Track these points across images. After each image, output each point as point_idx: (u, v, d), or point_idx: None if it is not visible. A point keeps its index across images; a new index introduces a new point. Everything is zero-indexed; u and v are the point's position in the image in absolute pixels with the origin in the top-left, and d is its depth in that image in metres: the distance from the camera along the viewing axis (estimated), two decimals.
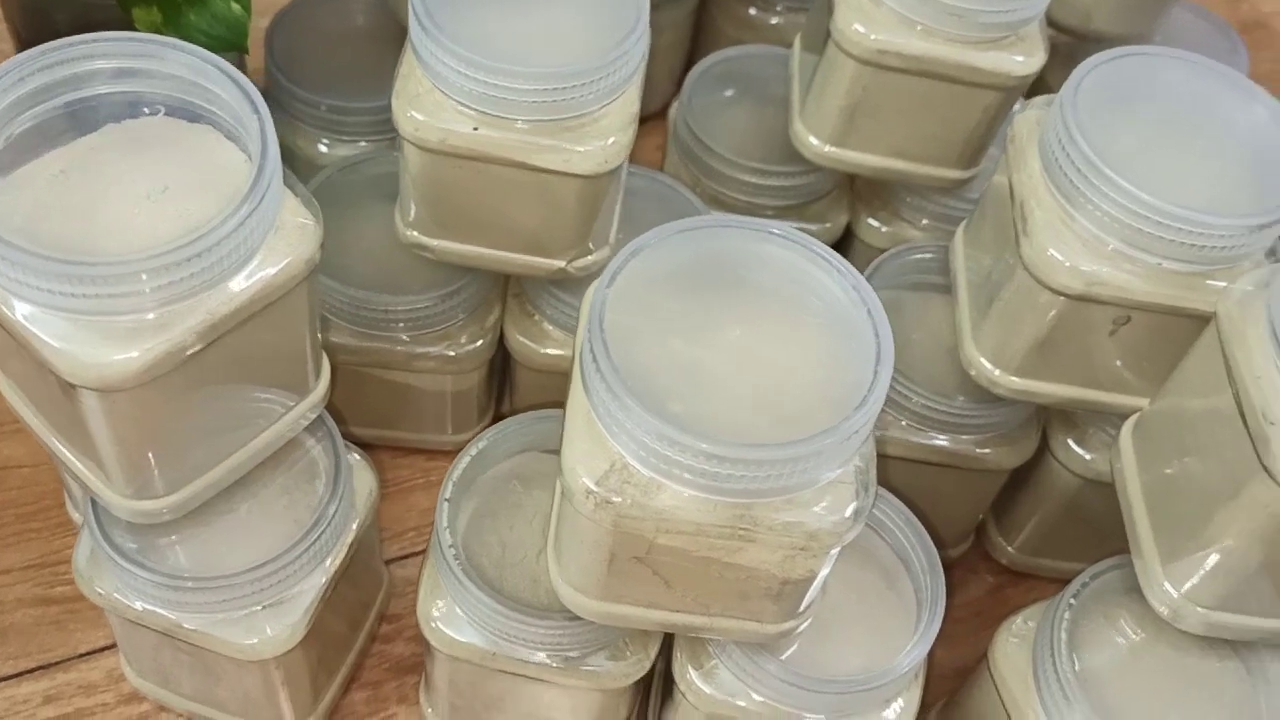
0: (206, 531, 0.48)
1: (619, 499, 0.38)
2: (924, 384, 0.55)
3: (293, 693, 0.52)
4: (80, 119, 0.41)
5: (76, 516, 0.59)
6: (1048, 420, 0.58)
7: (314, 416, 0.47)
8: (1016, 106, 0.56)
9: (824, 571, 0.43)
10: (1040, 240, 0.47)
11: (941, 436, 0.56)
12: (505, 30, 0.49)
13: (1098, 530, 0.57)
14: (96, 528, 0.46)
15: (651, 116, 0.72)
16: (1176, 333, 0.47)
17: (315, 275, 0.42)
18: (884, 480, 0.55)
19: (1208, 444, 0.44)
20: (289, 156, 0.65)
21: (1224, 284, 0.45)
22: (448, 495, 0.48)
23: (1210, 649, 0.49)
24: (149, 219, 0.39)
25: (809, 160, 0.60)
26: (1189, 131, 0.48)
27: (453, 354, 0.58)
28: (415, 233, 0.54)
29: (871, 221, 0.66)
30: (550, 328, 0.59)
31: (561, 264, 0.53)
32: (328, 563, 0.48)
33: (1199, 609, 0.45)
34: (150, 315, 0.37)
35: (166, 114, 0.42)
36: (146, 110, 0.41)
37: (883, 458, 0.57)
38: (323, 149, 0.64)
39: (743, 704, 0.47)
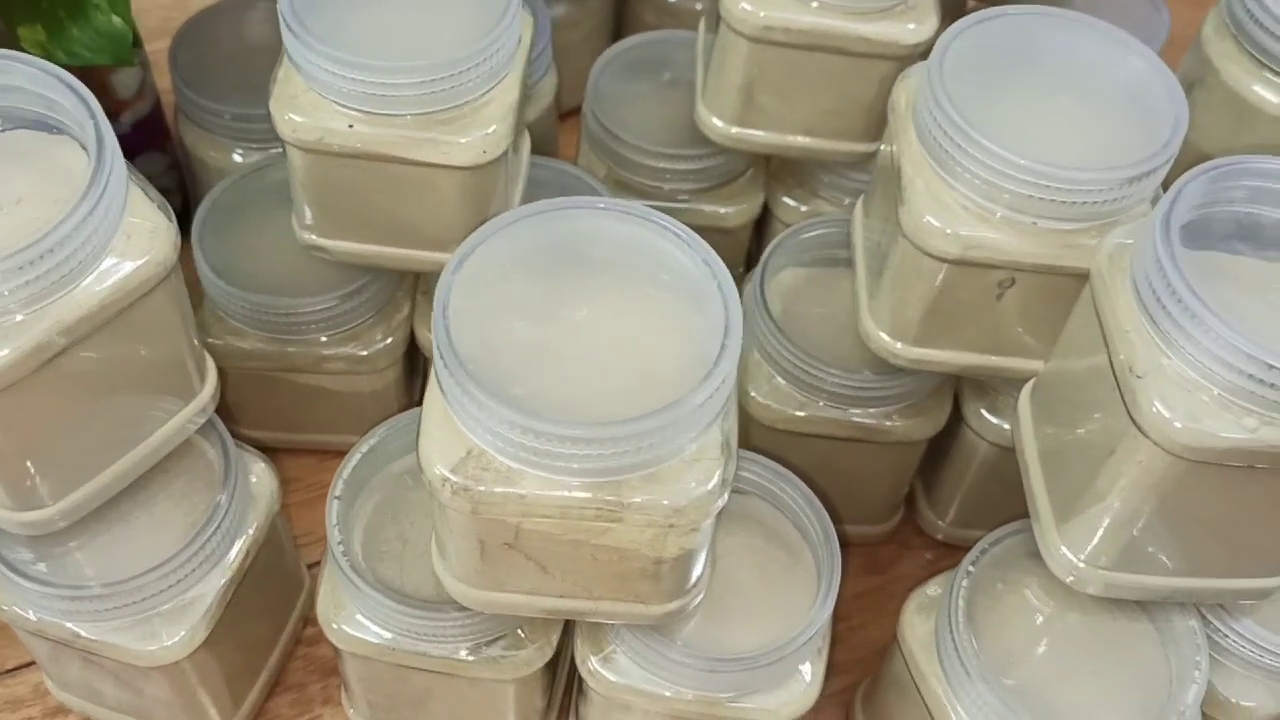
0: (106, 540, 0.48)
1: (477, 486, 0.38)
2: (832, 360, 0.54)
3: (214, 697, 0.52)
4: None
5: None
6: (960, 389, 0.57)
7: (203, 420, 0.48)
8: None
9: (702, 549, 0.43)
10: (917, 207, 0.46)
11: (852, 411, 0.55)
12: (375, 28, 0.49)
13: (1025, 498, 0.56)
14: None
15: (573, 111, 0.71)
16: (1064, 293, 0.47)
17: (176, 278, 0.42)
18: (802, 459, 0.56)
19: (1090, 403, 0.43)
20: (203, 169, 0.66)
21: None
22: (337, 493, 0.48)
23: (1120, 610, 0.49)
24: (3, 230, 0.40)
25: (715, 142, 0.60)
26: (1066, 88, 0.47)
27: (364, 353, 0.58)
28: (312, 235, 0.54)
29: (788, 200, 0.65)
30: None
31: None
32: (225, 565, 0.48)
33: (1094, 570, 0.45)
34: (19, 317, 0.38)
35: (29, 127, 0.42)
36: (3, 124, 0.42)
37: (799, 436, 0.56)
38: (237, 158, 0.64)
39: (644, 688, 0.47)
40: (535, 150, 0.65)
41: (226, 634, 0.50)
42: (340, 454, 0.64)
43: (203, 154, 0.65)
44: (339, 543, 0.47)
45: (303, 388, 0.60)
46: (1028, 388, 0.49)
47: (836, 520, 0.49)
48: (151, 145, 0.65)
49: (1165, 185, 0.43)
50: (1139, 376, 0.39)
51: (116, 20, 0.52)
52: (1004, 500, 0.60)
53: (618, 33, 0.77)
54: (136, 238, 0.40)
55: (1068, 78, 0.48)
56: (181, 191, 0.69)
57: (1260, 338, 0.36)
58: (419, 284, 0.60)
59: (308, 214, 0.53)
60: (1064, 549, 0.45)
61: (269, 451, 0.62)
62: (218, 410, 0.61)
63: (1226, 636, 0.48)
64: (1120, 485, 0.41)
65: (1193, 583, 0.45)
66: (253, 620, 0.53)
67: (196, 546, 0.47)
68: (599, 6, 0.74)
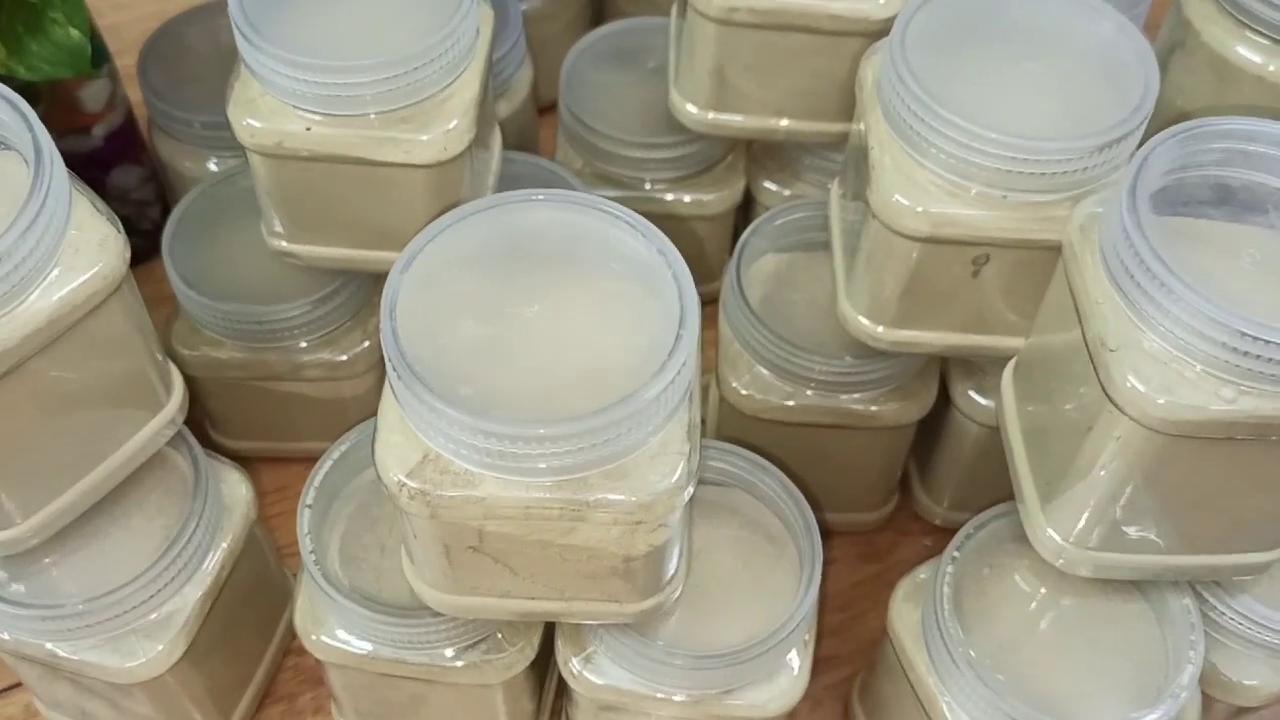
0: (81, 557, 0.48)
1: (435, 491, 0.38)
2: (815, 345, 0.53)
3: (201, 711, 0.52)
4: None
5: None
6: (947, 371, 0.56)
7: (172, 433, 0.47)
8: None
9: (675, 544, 0.42)
10: (886, 186, 0.45)
11: (836, 397, 0.54)
12: (329, 29, 0.48)
13: None
14: None
15: (553, 105, 0.71)
16: (1042, 267, 0.45)
17: (129, 290, 0.42)
18: (789, 448, 0.55)
19: (1068, 379, 0.42)
20: (179, 179, 0.65)
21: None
22: (309, 501, 0.47)
23: (1113, 591, 0.47)
24: None
25: (690, 129, 0.59)
26: (1033, 56, 0.46)
27: (342, 358, 0.58)
28: (282, 241, 0.53)
29: (770, 185, 0.64)
30: None
31: None
32: (201, 577, 0.48)
33: (1083, 551, 0.44)
34: None
35: None
36: None
37: (784, 425, 0.55)
38: (212, 167, 0.64)
39: (628, 688, 0.46)
40: (514, 145, 0.65)
41: (209, 647, 0.50)
42: None
43: (178, 164, 0.64)
44: (311, 552, 0.46)
45: (283, 396, 0.59)
46: (1010, 365, 0.48)
47: (822, 509, 0.48)
48: (126, 157, 0.65)
49: None
50: (1112, 350, 0.38)
51: (74, 33, 0.52)
52: (1000, 481, 0.58)
53: (597, 24, 0.76)
54: (84, 250, 0.39)
55: (1035, 45, 0.46)
56: (161, 203, 0.68)
57: (1234, 305, 0.35)
58: None
59: (275, 220, 0.52)
60: (1050, 531, 0.44)
61: (255, 462, 0.62)
62: (200, 421, 0.62)
63: (1224, 614, 0.47)
64: (1101, 463, 0.40)
65: (1185, 560, 0.44)
66: (237, 632, 0.52)
67: (169, 560, 0.46)
68: None
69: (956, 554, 0.46)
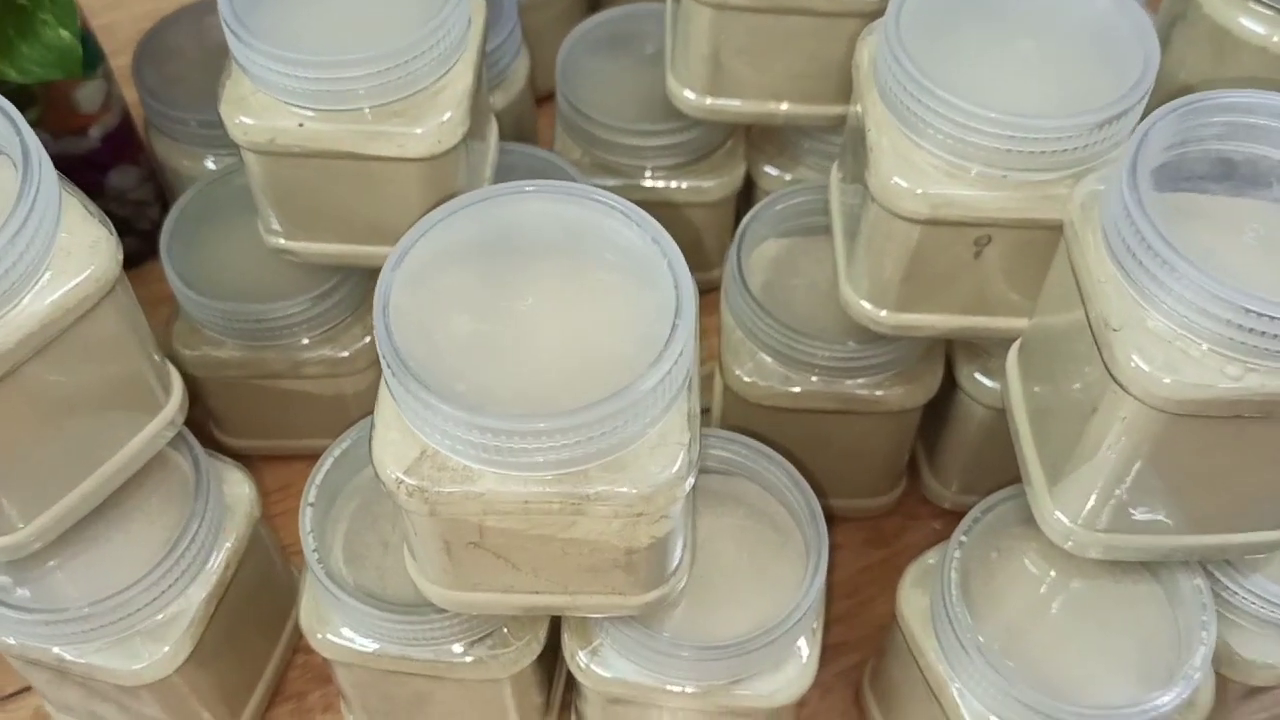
0: (84, 560, 0.48)
1: (433, 487, 0.37)
2: (817, 331, 0.53)
3: (210, 711, 0.52)
4: None
5: None
6: (952, 353, 0.56)
7: (172, 434, 0.47)
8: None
9: (677, 535, 0.41)
10: (884, 168, 0.44)
11: (841, 383, 0.54)
12: (319, 24, 0.48)
13: None
14: None
15: (552, 95, 0.70)
16: (1045, 246, 0.45)
17: (123, 292, 0.41)
18: (795, 434, 0.54)
19: (1072, 359, 0.42)
20: (176, 178, 0.65)
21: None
22: (310, 500, 0.47)
23: (1123, 572, 0.47)
24: None
25: (688, 115, 0.59)
26: (1030, 34, 0.45)
27: (343, 355, 0.57)
28: (279, 239, 0.53)
29: (770, 170, 0.64)
30: None
31: None
32: (205, 578, 0.48)
33: (1091, 533, 0.43)
34: None
35: None
36: None
37: (789, 411, 0.55)
38: (210, 166, 0.64)
39: (635, 680, 0.46)
40: (511, 136, 0.64)
41: (216, 647, 0.50)
42: None
43: (175, 164, 0.64)
44: (314, 550, 0.46)
45: (285, 394, 0.59)
46: (1015, 346, 0.48)
47: (829, 495, 0.47)
48: (123, 158, 0.65)
49: None
50: (1115, 329, 0.37)
51: (65, 34, 0.51)
52: (1008, 464, 0.58)
53: (593, 10, 0.76)
54: (76, 253, 0.39)
55: (1031, 22, 0.46)
56: (160, 203, 0.68)
57: (1238, 281, 0.35)
58: None
59: (272, 217, 0.52)
60: (1058, 513, 0.43)
61: (258, 460, 0.62)
62: (203, 421, 0.62)
63: (1236, 594, 0.46)
64: (1107, 444, 0.40)
65: (1195, 540, 0.43)
66: (244, 632, 0.52)
67: (172, 561, 0.46)
68: None
69: (964, 539, 0.46)
